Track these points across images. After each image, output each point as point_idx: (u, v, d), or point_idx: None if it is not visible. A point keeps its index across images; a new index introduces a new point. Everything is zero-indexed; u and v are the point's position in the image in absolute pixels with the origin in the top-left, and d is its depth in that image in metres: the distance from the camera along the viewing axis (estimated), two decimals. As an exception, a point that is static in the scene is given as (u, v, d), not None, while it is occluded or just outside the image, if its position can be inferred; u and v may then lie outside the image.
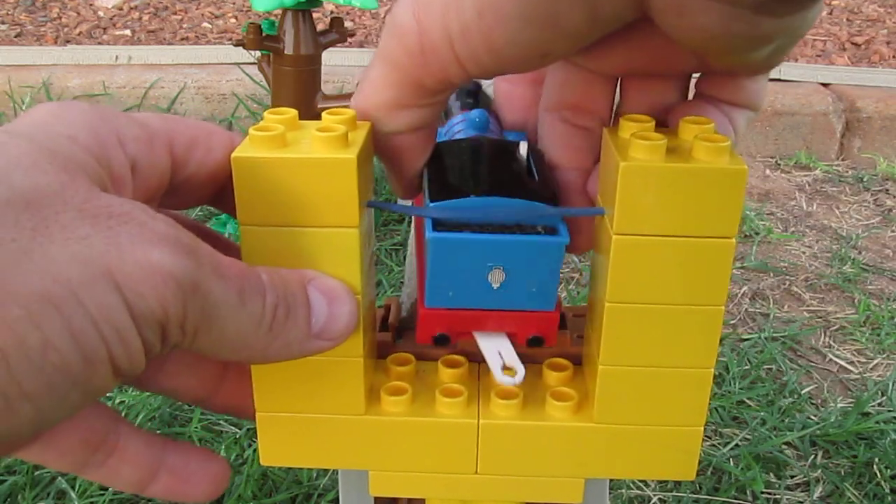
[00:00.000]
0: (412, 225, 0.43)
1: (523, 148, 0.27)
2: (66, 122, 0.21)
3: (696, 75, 0.27)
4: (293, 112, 0.26)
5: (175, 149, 0.24)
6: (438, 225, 0.25)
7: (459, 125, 0.30)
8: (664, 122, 0.26)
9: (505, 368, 0.26)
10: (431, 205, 0.25)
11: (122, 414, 0.78)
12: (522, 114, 0.30)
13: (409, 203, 0.31)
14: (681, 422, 0.27)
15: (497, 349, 0.27)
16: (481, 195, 0.25)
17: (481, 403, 0.28)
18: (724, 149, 0.23)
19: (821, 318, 1.02)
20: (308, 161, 0.23)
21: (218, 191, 0.26)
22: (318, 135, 0.24)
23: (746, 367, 0.88)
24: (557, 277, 0.26)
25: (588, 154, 0.27)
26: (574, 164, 0.27)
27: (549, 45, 0.21)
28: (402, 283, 0.97)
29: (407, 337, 0.32)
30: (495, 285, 0.26)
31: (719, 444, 0.77)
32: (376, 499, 0.31)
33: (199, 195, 0.26)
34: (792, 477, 0.74)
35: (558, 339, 0.29)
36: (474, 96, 0.32)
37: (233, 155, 0.23)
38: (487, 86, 0.33)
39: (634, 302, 0.25)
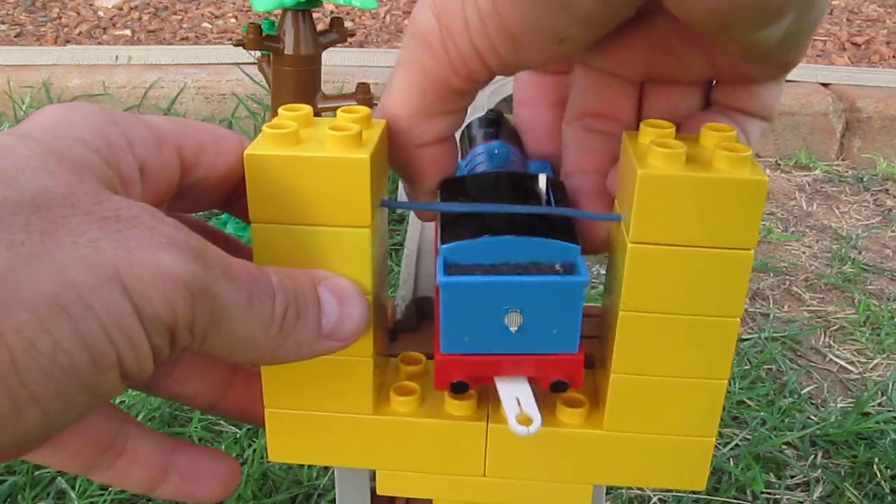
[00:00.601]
0: (409, 225, 0.43)
1: (542, 181, 0.26)
2: (75, 123, 0.21)
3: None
4: (307, 109, 0.25)
5: (184, 152, 0.24)
6: (451, 267, 0.24)
7: (480, 157, 0.30)
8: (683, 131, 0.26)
9: (521, 417, 0.25)
10: (443, 246, 0.24)
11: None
12: (545, 140, 0.30)
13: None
14: (692, 432, 0.27)
15: (516, 395, 0.26)
16: (496, 234, 0.24)
17: (491, 406, 0.28)
18: (746, 159, 0.23)
19: (821, 318, 1.02)
20: (321, 160, 0.23)
21: (228, 195, 0.26)
22: (332, 133, 0.23)
23: (746, 367, 0.88)
24: (580, 317, 0.25)
25: (607, 157, 0.27)
26: (592, 167, 0.27)
27: (563, 30, 0.21)
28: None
29: (402, 339, 0.32)
30: (513, 329, 0.25)
31: (719, 444, 0.77)
32: (375, 498, 0.31)
33: (210, 199, 0.26)
34: (792, 477, 0.74)
35: None
36: (496, 125, 0.31)
37: (245, 152, 0.23)
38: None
39: (649, 311, 0.25)
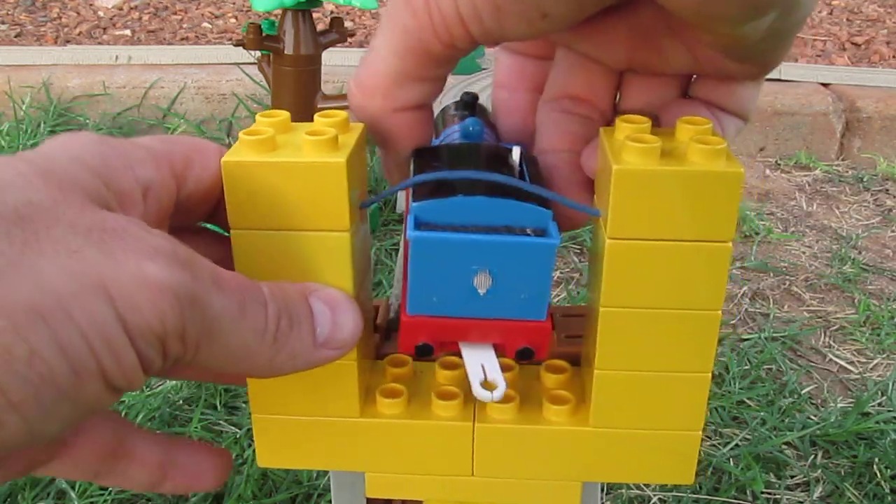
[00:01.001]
0: (405, 224, 0.42)
1: (516, 153, 0.26)
2: (71, 146, 0.22)
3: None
4: (285, 114, 0.26)
5: (175, 168, 0.24)
6: (422, 225, 0.24)
7: (455, 134, 0.30)
8: (659, 122, 0.26)
9: (485, 383, 0.25)
10: (414, 204, 0.24)
11: (122, 414, 0.78)
12: (520, 124, 0.30)
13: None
14: (678, 426, 0.27)
15: (481, 362, 0.25)
16: (469, 195, 0.23)
17: (477, 406, 0.28)
18: (721, 151, 0.23)
19: (821, 318, 1.02)
20: (297, 165, 0.23)
21: (214, 206, 0.26)
22: (308, 138, 0.24)
23: (746, 367, 0.88)
24: (549, 283, 0.25)
25: (581, 138, 0.27)
26: (565, 146, 0.27)
27: (547, 4, 0.21)
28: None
29: (395, 339, 0.32)
30: (482, 291, 0.24)
31: (719, 444, 0.77)
32: (369, 499, 0.31)
33: (199, 212, 0.26)
34: (792, 477, 0.74)
35: None
36: (471, 108, 0.31)
37: (223, 159, 0.24)
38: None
39: (629, 306, 0.25)
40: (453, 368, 0.29)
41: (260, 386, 0.27)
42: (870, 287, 1.09)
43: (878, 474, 0.73)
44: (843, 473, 0.75)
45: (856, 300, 1.05)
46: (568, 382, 0.29)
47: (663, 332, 0.25)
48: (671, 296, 0.25)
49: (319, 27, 1.05)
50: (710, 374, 0.26)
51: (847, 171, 1.49)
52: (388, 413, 0.27)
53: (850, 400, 0.85)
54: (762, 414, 0.81)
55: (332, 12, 1.98)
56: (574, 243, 1.17)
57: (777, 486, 0.73)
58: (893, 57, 1.90)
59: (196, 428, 0.75)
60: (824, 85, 1.62)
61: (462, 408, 0.28)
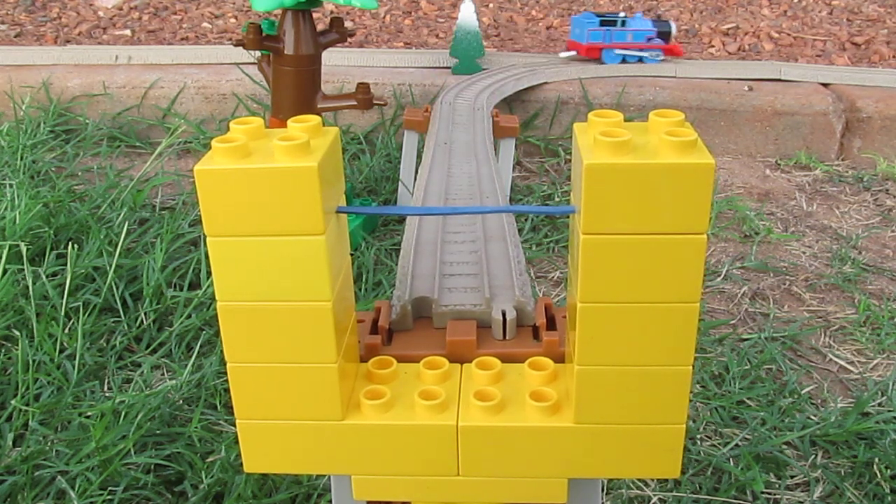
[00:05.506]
0: (406, 225, 0.43)
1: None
2: None
3: None
4: (258, 121, 0.26)
5: None
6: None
7: None
8: None
9: None
10: None
11: (122, 414, 0.77)
12: None
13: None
14: (662, 420, 0.27)
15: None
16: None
17: (461, 406, 0.28)
18: (691, 143, 0.23)
19: (821, 318, 1.02)
20: (269, 170, 0.24)
21: None
22: (280, 144, 0.24)
23: (746, 367, 0.88)
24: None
25: None
26: None
27: None
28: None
29: (397, 339, 0.32)
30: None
31: (719, 444, 0.77)
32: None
33: None
34: (792, 477, 0.74)
35: (547, 340, 0.30)
36: None
37: (196, 168, 0.24)
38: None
39: (606, 301, 0.25)
40: (438, 368, 0.29)
41: (243, 391, 0.27)
42: (870, 287, 1.09)
43: (878, 474, 0.73)
44: (843, 473, 0.75)
45: (856, 300, 1.05)
46: (553, 379, 0.29)
47: (642, 326, 0.25)
48: (648, 289, 0.25)
49: (319, 27, 1.05)
50: (690, 367, 0.26)
51: (847, 171, 1.49)
52: (371, 415, 0.27)
53: (850, 400, 0.85)
54: (762, 414, 0.81)
55: (332, 12, 1.98)
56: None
57: (777, 486, 0.73)
58: (893, 57, 1.90)
59: (196, 428, 0.75)
60: (824, 85, 1.62)
61: (445, 408, 0.28)
